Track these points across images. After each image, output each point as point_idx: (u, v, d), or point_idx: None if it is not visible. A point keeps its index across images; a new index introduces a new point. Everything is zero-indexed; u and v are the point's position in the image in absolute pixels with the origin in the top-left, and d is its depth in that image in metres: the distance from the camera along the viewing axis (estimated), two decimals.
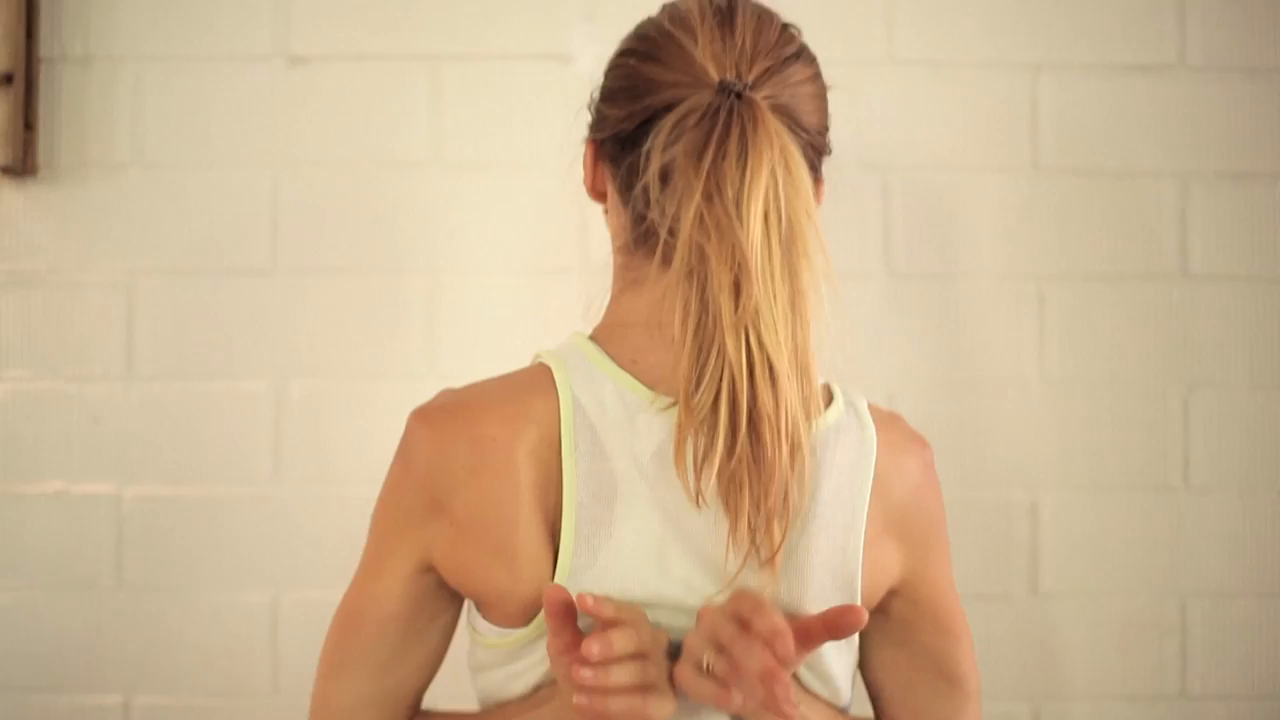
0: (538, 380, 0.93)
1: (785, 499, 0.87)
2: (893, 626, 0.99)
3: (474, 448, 0.91)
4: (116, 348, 1.64)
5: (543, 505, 0.90)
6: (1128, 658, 1.64)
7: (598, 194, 1.00)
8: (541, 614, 0.90)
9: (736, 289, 0.84)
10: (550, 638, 0.86)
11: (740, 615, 0.84)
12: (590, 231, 1.61)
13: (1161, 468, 1.64)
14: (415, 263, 1.64)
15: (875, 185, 1.63)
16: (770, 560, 0.87)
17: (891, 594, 0.97)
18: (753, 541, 0.87)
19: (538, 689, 0.95)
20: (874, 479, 0.93)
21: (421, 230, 1.64)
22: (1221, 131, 1.64)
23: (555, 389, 0.91)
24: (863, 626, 0.84)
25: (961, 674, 0.99)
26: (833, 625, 0.84)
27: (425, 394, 1.70)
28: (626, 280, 0.96)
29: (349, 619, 0.97)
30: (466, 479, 0.91)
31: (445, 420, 0.93)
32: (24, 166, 1.61)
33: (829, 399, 0.95)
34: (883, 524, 0.94)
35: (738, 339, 0.84)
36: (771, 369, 0.85)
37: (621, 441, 0.90)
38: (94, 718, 1.65)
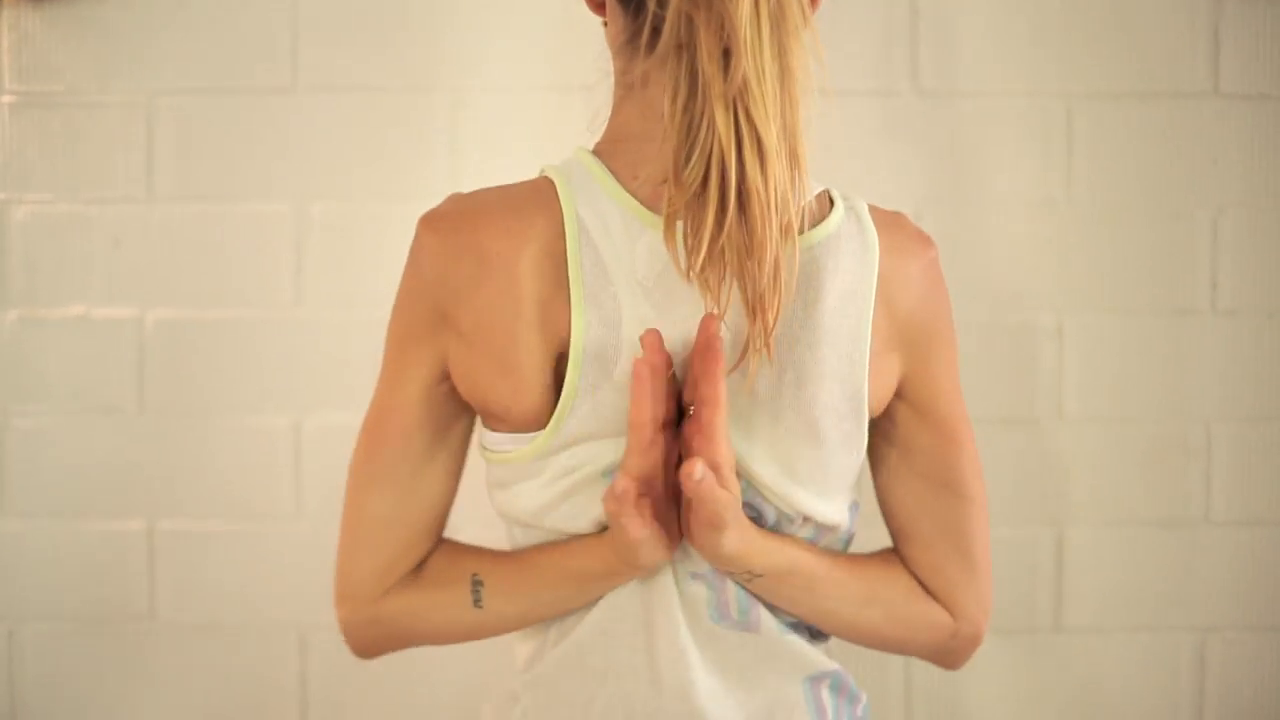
0: (543, 194, 0.93)
1: (776, 277, 0.86)
2: (896, 431, 0.99)
3: (477, 259, 0.91)
4: (137, 170, 1.63)
5: (545, 322, 0.91)
6: (1151, 483, 1.63)
7: (595, 4, 0.98)
8: (544, 434, 0.92)
9: (726, 59, 0.84)
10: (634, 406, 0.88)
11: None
12: None
13: (1190, 290, 1.62)
14: (437, 80, 1.62)
15: (904, 2, 1.61)
16: (765, 341, 0.88)
17: (894, 396, 0.98)
18: (756, 323, 0.87)
19: (554, 506, 0.96)
20: (877, 285, 0.93)
21: (443, 48, 1.62)
22: None
23: (560, 206, 0.91)
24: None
25: (962, 480, 0.99)
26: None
27: None
28: (625, 86, 0.96)
29: (374, 431, 0.98)
30: (470, 290, 0.92)
31: (449, 229, 0.94)
32: None
33: (829, 205, 0.94)
34: (888, 329, 0.94)
35: (726, 112, 0.84)
36: (760, 145, 0.85)
37: (625, 264, 0.90)
38: (117, 543, 1.65)
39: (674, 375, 0.91)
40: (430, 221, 0.96)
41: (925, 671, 1.64)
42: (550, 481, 0.95)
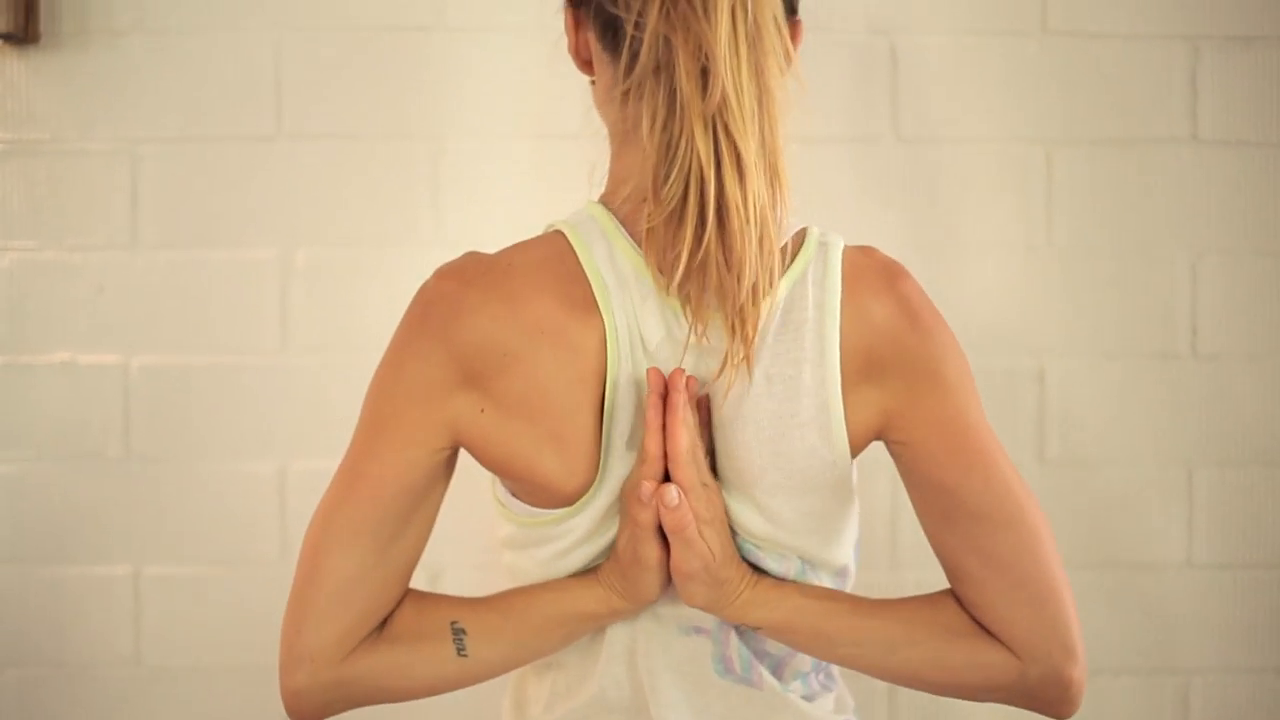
0: (565, 257, 0.92)
1: (755, 292, 0.87)
2: (906, 471, 0.96)
3: (528, 328, 0.90)
4: (121, 217, 1.64)
5: (593, 395, 0.91)
6: (1133, 526, 1.64)
7: (583, 62, 0.99)
8: (579, 504, 0.92)
9: (704, 79, 0.85)
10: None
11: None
12: None
13: (1169, 335, 1.63)
14: (420, 128, 1.63)
15: (883, 49, 1.62)
16: (745, 356, 0.88)
17: (886, 437, 0.95)
18: (736, 337, 0.88)
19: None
20: (841, 324, 0.91)
21: (426, 95, 1.63)
22: None
23: (585, 273, 0.91)
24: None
25: (998, 509, 0.91)
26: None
27: (431, 261, 1.68)
28: (622, 134, 0.95)
29: (351, 489, 0.93)
30: (513, 363, 0.90)
31: (490, 290, 0.91)
32: (26, 34, 1.60)
33: (800, 245, 0.94)
34: (858, 368, 0.92)
35: (705, 129, 0.85)
36: (739, 160, 0.85)
37: (638, 330, 0.91)
38: (102, 588, 1.65)
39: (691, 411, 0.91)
40: (462, 278, 0.92)
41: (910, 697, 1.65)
42: (572, 547, 0.95)
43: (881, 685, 1.63)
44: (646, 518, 0.90)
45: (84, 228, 1.64)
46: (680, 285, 0.87)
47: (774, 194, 0.87)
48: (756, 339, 0.89)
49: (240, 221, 1.64)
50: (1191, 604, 1.64)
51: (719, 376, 0.89)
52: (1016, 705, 0.95)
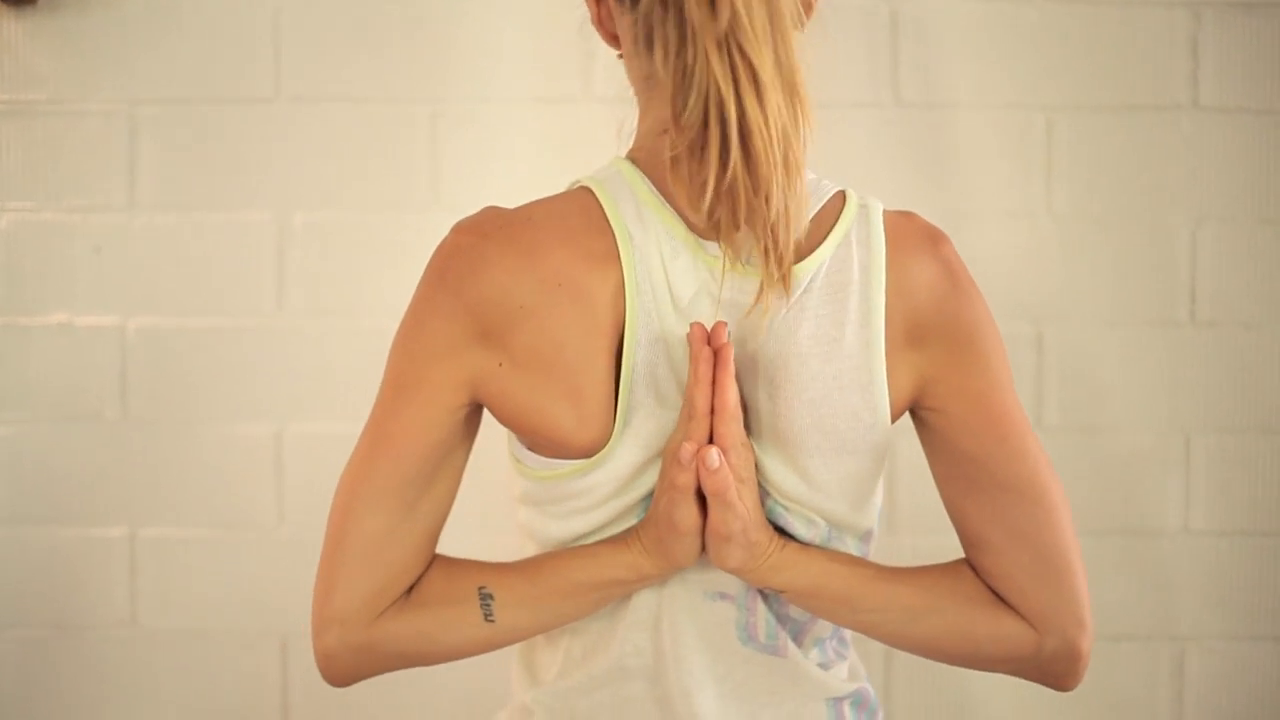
0: (590, 211, 0.91)
1: (786, 212, 0.85)
2: (936, 439, 0.94)
3: (545, 281, 0.89)
4: (118, 178, 1.64)
5: (609, 349, 0.90)
6: (1131, 493, 1.64)
7: (609, 35, 0.97)
8: (597, 458, 0.91)
9: (712, 2, 0.84)
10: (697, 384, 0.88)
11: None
12: (595, 59, 1.60)
13: (1168, 302, 1.63)
14: (418, 91, 1.62)
15: (884, 14, 1.61)
16: (782, 280, 0.87)
17: (920, 404, 0.94)
18: (770, 260, 0.86)
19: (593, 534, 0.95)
20: (886, 288, 0.90)
21: (424, 58, 1.62)
22: None
23: (610, 226, 0.90)
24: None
25: (1024, 481, 0.91)
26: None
27: (430, 225, 1.67)
28: (647, 86, 0.93)
29: (377, 449, 0.91)
30: (534, 313, 0.89)
31: (507, 244, 0.90)
32: None
33: (840, 207, 0.93)
34: (901, 334, 0.91)
35: (719, 49, 0.83)
36: (756, 79, 0.84)
37: (664, 284, 0.90)
38: (99, 550, 1.66)
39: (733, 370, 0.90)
40: (479, 232, 0.91)
41: (909, 664, 1.65)
42: (593, 505, 0.94)
43: (877, 650, 1.63)
44: (686, 480, 0.88)
45: (82, 189, 1.64)
46: (710, 212, 0.86)
47: (794, 112, 0.86)
48: (799, 294, 0.88)
49: (238, 184, 1.63)
50: (1189, 571, 1.64)
51: (756, 304, 0.88)
52: (1024, 677, 0.96)
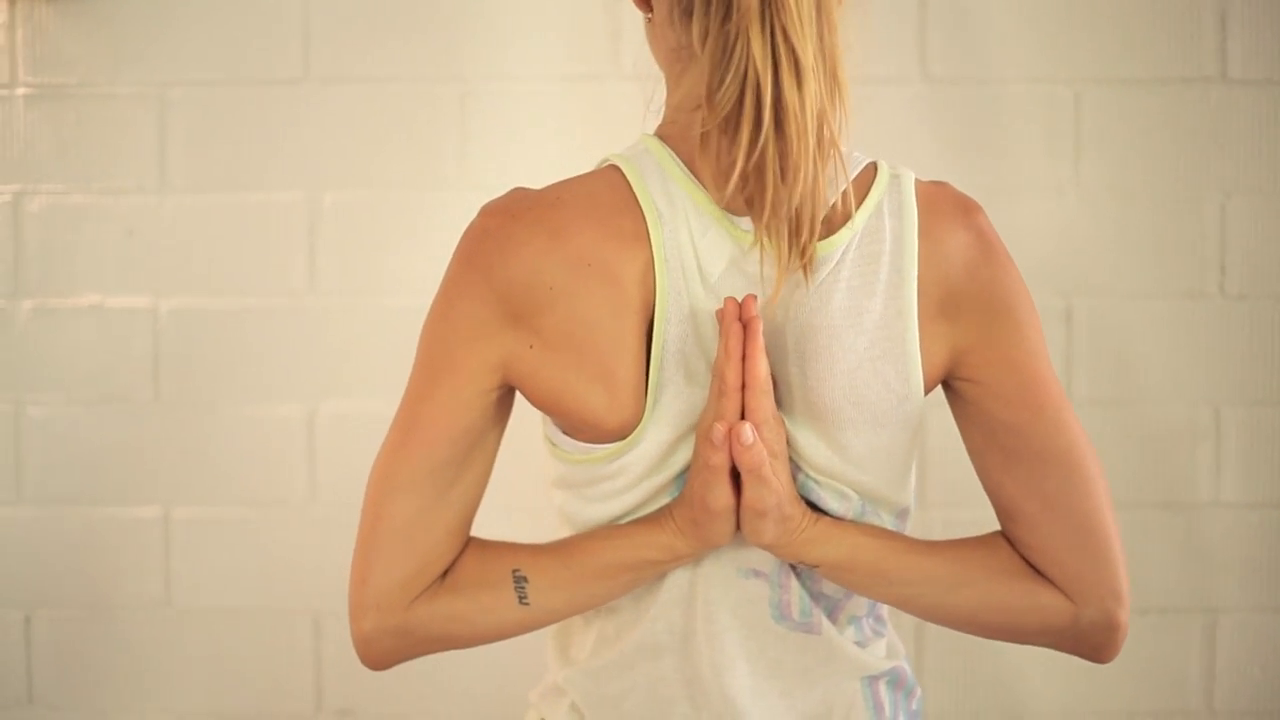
0: (619, 190, 0.90)
1: (814, 196, 0.85)
2: (972, 410, 0.94)
3: (575, 262, 0.88)
4: (149, 160, 1.65)
5: (640, 328, 0.89)
6: (1161, 465, 1.64)
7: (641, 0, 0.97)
8: (629, 439, 0.91)
9: None
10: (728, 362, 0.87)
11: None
12: (622, 37, 1.61)
13: (1198, 274, 1.63)
14: (447, 70, 1.63)
15: None
16: (803, 262, 0.87)
17: (954, 375, 0.93)
18: (791, 246, 0.86)
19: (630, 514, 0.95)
20: (919, 258, 0.90)
21: (453, 38, 1.63)
22: None
23: (639, 204, 0.89)
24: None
25: (1060, 451, 0.90)
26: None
27: (458, 204, 1.67)
28: (685, 60, 0.92)
29: (410, 434, 0.91)
30: (564, 295, 0.88)
31: (536, 225, 0.89)
32: None
33: (872, 178, 0.93)
34: (935, 304, 0.91)
35: (762, 31, 0.83)
36: (797, 64, 0.83)
37: (694, 261, 0.89)
38: (133, 530, 1.67)
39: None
40: (507, 214, 0.90)
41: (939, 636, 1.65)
42: (627, 487, 0.94)
43: (907, 623, 1.63)
44: (720, 460, 0.87)
45: (112, 171, 1.65)
46: (737, 192, 0.86)
47: (833, 100, 0.86)
48: (832, 267, 0.88)
49: (268, 165, 1.64)
50: (1219, 543, 1.64)
51: (778, 288, 0.87)
52: (1062, 649, 0.95)
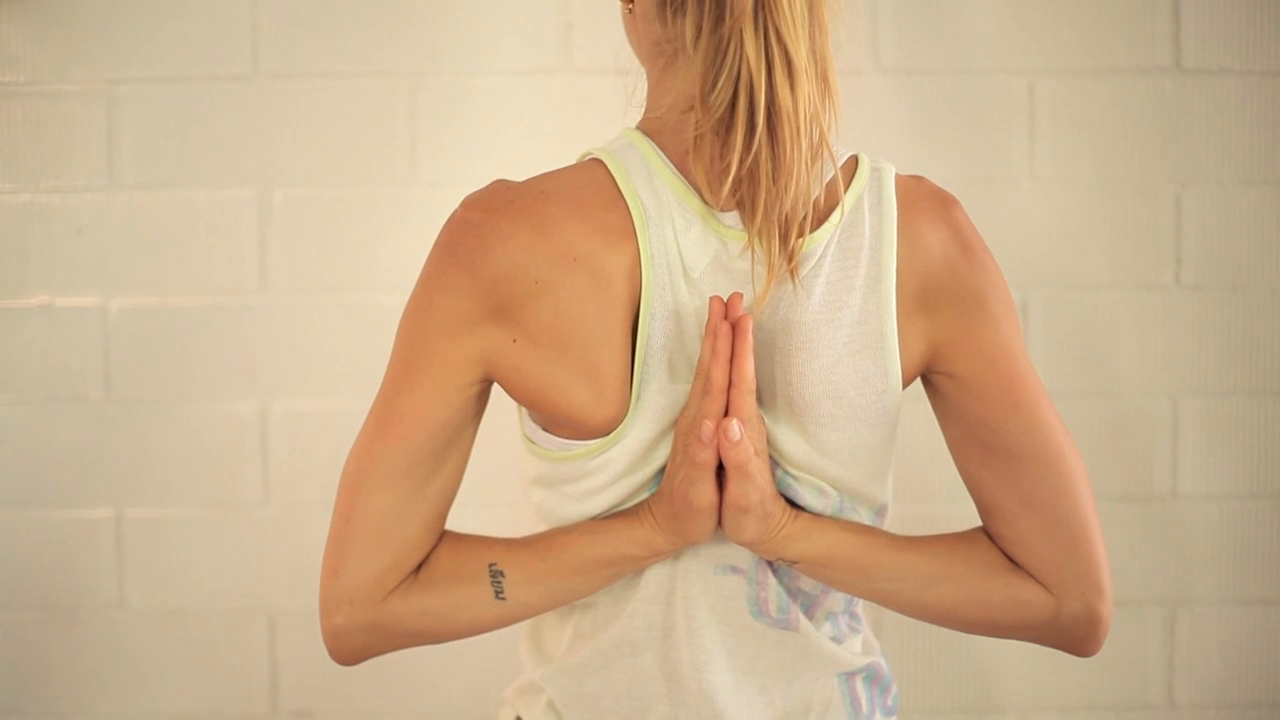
0: (602, 183, 0.90)
1: (805, 200, 0.86)
2: (948, 405, 0.94)
3: (559, 256, 0.88)
4: (98, 158, 1.63)
5: (625, 323, 0.89)
6: (1118, 457, 1.63)
7: None
8: (612, 436, 0.90)
9: None
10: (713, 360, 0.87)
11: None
12: (573, 30, 1.59)
13: (1154, 265, 1.62)
14: (397, 66, 1.61)
15: None
16: (790, 266, 0.87)
17: (932, 369, 0.93)
18: (780, 249, 0.86)
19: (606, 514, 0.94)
20: (897, 252, 0.90)
21: (402, 34, 1.61)
22: None
23: (624, 199, 0.89)
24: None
25: (1038, 446, 0.90)
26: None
27: (409, 200, 1.67)
28: (669, 55, 0.92)
29: (387, 428, 0.90)
30: (548, 289, 0.87)
31: (520, 219, 0.88)
32: None
33: (853, 172, 0.92)
34: (912, 298, 0.91)
35: (755, 32, 0.83)
36: (790, 65, 0.84)
37: (678, 256, 0.89)
38: (86, 531, 1.65)
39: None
40: (490, 207, 0.89)
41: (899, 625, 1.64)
42: (607, 483, 0.93)
43: (887, 621, 1.63)
44: (706, 457, 0.87)
45: (61, 169, 1.63)
46: (730, 195, 0.85)
47: (824, 102, 0.86)
48: (813, 263, 0.88)
49: (218, 161, 1.63)
50: (1176, 535, 1.64)
51: (766, 290, 0.87)
52: (1044, 643, 0.95)
